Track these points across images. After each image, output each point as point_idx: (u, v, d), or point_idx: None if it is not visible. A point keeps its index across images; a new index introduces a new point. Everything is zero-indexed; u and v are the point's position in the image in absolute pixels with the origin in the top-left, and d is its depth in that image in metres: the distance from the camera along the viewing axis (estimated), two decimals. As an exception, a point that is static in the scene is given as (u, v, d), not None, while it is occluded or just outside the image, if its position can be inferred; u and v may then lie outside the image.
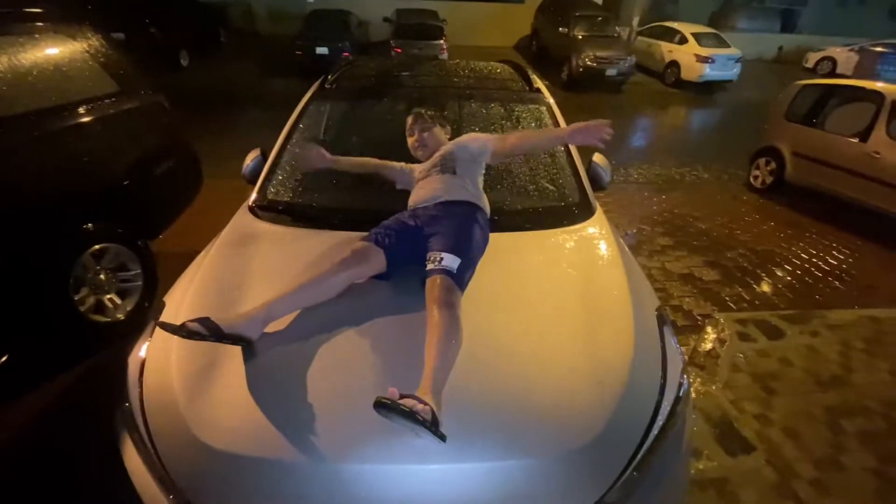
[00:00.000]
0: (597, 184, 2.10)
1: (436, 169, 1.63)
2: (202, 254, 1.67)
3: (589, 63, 10.14)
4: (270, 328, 1.26)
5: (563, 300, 1.43)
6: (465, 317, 1.23)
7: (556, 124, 2.18)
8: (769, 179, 5.66)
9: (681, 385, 1.29)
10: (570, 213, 1.85)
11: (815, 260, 4.00)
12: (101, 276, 2.64)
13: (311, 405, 1.11)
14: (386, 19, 11.80)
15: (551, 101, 2.32)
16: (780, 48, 15.81)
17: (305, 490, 1.00)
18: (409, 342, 1.21)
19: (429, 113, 1.80)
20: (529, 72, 2.56)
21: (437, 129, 1.77)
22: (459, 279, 1.31)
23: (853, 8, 18.49)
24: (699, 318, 3.02)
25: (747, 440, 2.02)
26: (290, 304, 1.29)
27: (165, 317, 1.39)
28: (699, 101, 10.68)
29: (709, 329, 2.79)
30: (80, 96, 2.63)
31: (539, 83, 2.44)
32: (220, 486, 1.02)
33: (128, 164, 2.85)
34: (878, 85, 4.97)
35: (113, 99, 2.83)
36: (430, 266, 1.33)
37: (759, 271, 3.76)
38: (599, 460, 1.06)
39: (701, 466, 1.91)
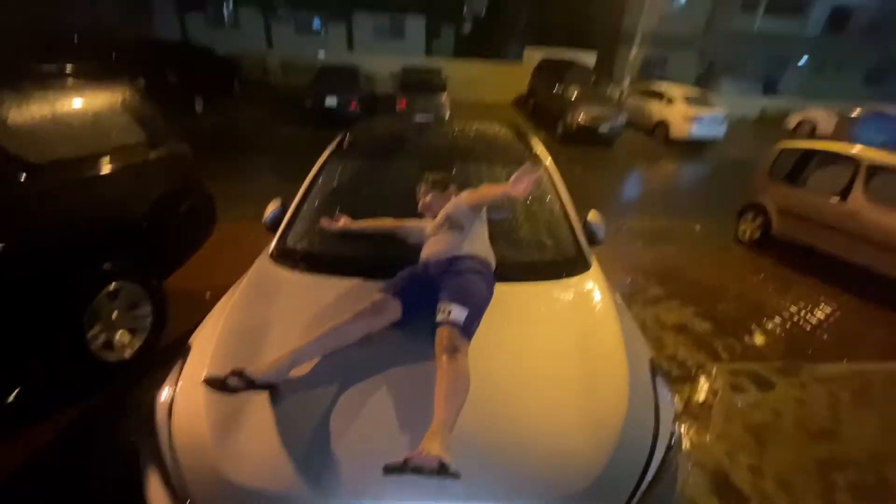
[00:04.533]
0: (592, 240, 2.26)
1: (444, 227, 1.78)
2: (225, 298, 1.78)
3: (581, 121, 10.72)
4: (293, 372, 1.37)
5: (561, 350, 1.54)
6: (471, 365, 1.34)
7: (554, 186, 2.37)
8: (756, 234, 5.90)
9: (673, 434, 1.37)
10: (568, 266, 1.98)
11: (802, 313, 4.14)
12: (115, 314, 2.73)
13: (332, 447, 1.20)
14: (393, 75, 12.50)
15: (548, 162, 2.52)
16: (763, 109, 16.78)
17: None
18: (420, 387, 1.31)
19: (432, 179, 1.99)
20: (529, 136, 2.79)
21: (439, 193, 1.95)
22: (467, 330, 1.43)
23: (830, 74, 19.87)
24: (692, 368, 3.11)
25: (741, 491, 2.07)
26: (313, 351, 1.41)
27: (193, 361, 1.49)
28: (687, 157, 11.21)
29: (702, 379, 2.88)
30: (111, 145, 2.83)
31: (538, 146, 2.65)
32: (206, 472, 1.10)
33: (149, 208, 3.00)
34: (854, 150, 5.32)
35: (141, 147, 3.03)
36: (440, 317, 1.45)
37: (749, 323, 3.88)
38: None
39: (697, 513, 1.95)
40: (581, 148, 10.58)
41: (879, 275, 4.53)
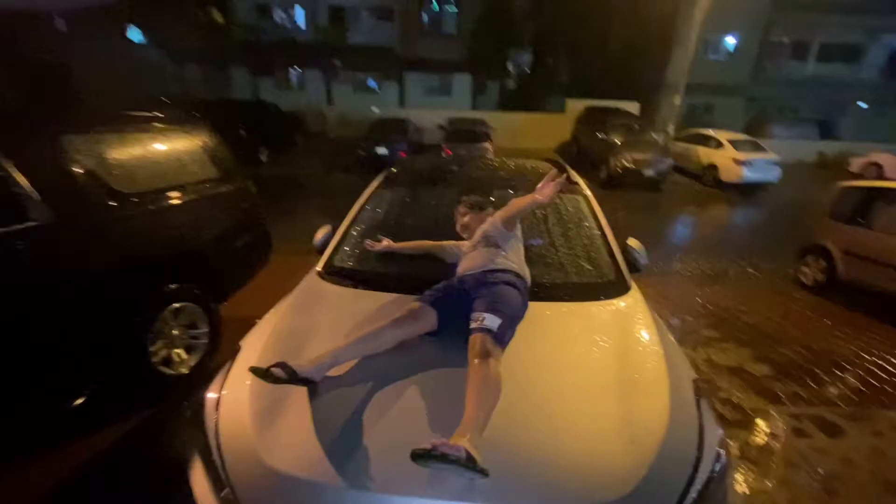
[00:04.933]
0: (633, 266, 2.25)
1: (480, 244, 1.86)
2: (275, 307, 1.92)
3: (626, 164, 10.70)
4: (332, 372, 1.45)
5: (599, 365, 1.53)
6: (507, 376, 1.36)
7: (594, 213, 2.42)
8: (821, 277, 5.49)
9: (719, 455, 1.30)
10: (608, 288, 1.99)
11: (878, 360, 3.75)
12: (175, 332, 2.95)
13: (365, 441, 1.25)
14: (440, 126, 13.17)
15: (588, 192, 2.57)
16: (821, 153, 16.05)
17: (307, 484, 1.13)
18: (453, 391, 1.34)
19: (469, 201, 2.09)
20: (568, 168, 2.86)
21: (476, 214, 2.04)
22: (500, 337, 1.47)
23: (892, 116, 18.82)
24: (750, 411, 2.87)
25: (809, 543, 1.86)
26: (352, 352, 1.49)
27: (242, 359, 1.61)
28: (740, 200, 10.78)
29: (760, 423, 2.65)
30: (188, 179, 3.19)
31: (578, 178, 2.71)
32: (246, 460, 1.18)
33: (213, 236, 3.30)
34: (926, 187, 4.98)
35: (213, 183, 3.39)
36: (473, 325, 1.50)
37: (815, 369, 3.56)
38: None
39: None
40: (627, 192, 10.47)
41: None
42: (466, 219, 2.04)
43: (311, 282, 2.08)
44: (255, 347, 1.63)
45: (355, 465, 1.19)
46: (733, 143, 11.86)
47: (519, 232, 1.93)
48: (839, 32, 18.47)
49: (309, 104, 17.31)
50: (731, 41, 18.35)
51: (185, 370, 2.97)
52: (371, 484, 1.15)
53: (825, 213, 5.69)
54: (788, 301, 5.14)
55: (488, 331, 1.45)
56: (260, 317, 1.87)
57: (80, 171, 2.47)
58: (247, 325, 1.83)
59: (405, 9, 18.77)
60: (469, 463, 1.06)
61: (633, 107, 15.45)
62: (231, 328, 3.24)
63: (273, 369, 1.35)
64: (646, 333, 1.70)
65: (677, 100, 13.08)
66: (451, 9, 19.37)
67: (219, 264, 3.34)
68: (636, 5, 16.27)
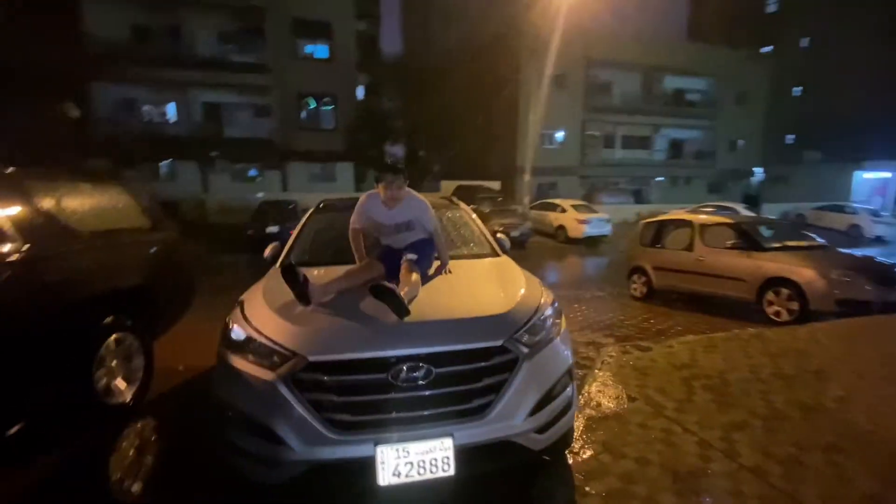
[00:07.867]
0: (503, 247, 3.37)
1: (401, 228, 2.71)
2: (254, 285, 2.51)
3: (496, 229, 12.62)
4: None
5: (485, 275, 2.66)
6: (435, 281, 2.31)
7: (473, 220, 3.56)
8: (644, 290, 7.39)
9: (554, 303, 2.38)
10: (487, 254, 3.16)
11: (681, 329, 5.38)
12: (115, 362, 3.12)
13: (342, 305, 2.10)
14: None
15: (465, 207, 3.72)
16: (638, 214, 20.76)
17: (344, 332, 1.92)
18: None
19: (389, 178, 2.58)
20: (454, 199, 4.01)
21: (394, 183, 2.55)
22: (419, 263, 2.42)
23: (682, 186, 25.74)
24: (599, 350, 4.06)
25: (632, 396, 2.94)
26: (336, 286, 2.27)
27: (249, 294, 2.32)
28: (586, 251, 13.45)
29: (601, 351, 3.83)
30: (123, 226, 3.52)
31: (461, 203, 3.87)
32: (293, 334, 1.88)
33: (147, 275, 3.58)
34: (687, 216, 7.33)
35: (145, 231, 3.74)
36: (402, 261, 2.42)
37: (639, 336, 4.99)
38: (505, 322, 2.07)
39: (603, 409, 2.82)
40: (499, 250, 12.30)
41: (722, 297, 6.18)
42: (389, 192, 2.61)
43: (275, 272, 2.72)
44: (256, 292, 2.28)
45: (336, 309, 2.05)
46: (574, 207, 14.94)
47: (424, 221, 2.84)
48: (631, 128, 25.00)
49: (183, 193, 16.91)
50: (560, 135, 23.31)
51: (126, 399, 3.11)
52: (350, 316, 2.01)
53: (636, 241, 7.80)
54: (625, 308, 6.82)
55: (411, 260, 2.36)
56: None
57: (46, 211, 2.78)
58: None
59: (283, 106, 20.04)
60: (403, 301, 1.94)
61: (495, 184, 18.38)
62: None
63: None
64: (510, 267, 2.84)
65: (527, 178, 16.12)
66: (327, 107, 21.25)
67: (152, 301, 3.59)
68: (488, 107, 20.09)
